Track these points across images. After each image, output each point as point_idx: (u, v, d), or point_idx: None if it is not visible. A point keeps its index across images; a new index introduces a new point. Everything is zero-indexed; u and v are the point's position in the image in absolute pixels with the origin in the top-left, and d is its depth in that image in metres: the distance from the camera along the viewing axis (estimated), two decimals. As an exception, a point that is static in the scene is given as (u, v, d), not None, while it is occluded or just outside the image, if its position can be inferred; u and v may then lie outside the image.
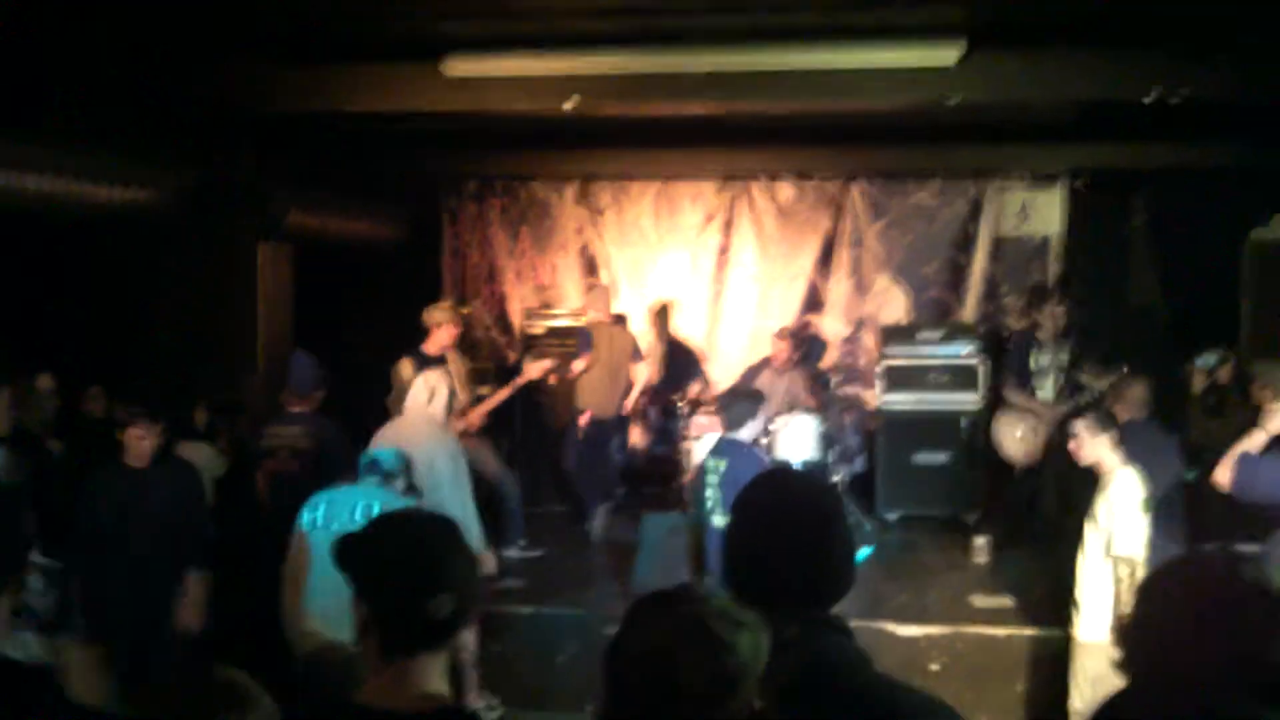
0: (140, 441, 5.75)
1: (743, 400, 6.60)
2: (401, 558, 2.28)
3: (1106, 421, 5.85)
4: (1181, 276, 9.84)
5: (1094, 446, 5.78)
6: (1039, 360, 8.53)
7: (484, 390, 8.54)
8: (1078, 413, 8.02)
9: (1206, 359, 8.14)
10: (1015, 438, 8.61)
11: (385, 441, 6.31)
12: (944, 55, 6.19)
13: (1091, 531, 5.72)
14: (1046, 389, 8.50)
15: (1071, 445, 5.91)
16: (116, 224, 7.61)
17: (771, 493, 2.39)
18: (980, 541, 8.43)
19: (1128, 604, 2.02)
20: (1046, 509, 8.59)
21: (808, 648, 2.10)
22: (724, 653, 1.89)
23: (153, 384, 7.49)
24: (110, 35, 6.26)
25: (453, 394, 6.60)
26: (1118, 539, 5.53)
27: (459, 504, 6.16)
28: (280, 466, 6.91)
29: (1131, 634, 2.17)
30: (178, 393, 7.48)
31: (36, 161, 6.52)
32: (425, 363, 7.98)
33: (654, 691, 1.88)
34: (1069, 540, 7.64)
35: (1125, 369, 7.55)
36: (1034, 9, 6.06)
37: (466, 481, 6.38)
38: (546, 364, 8.53)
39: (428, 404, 6.42)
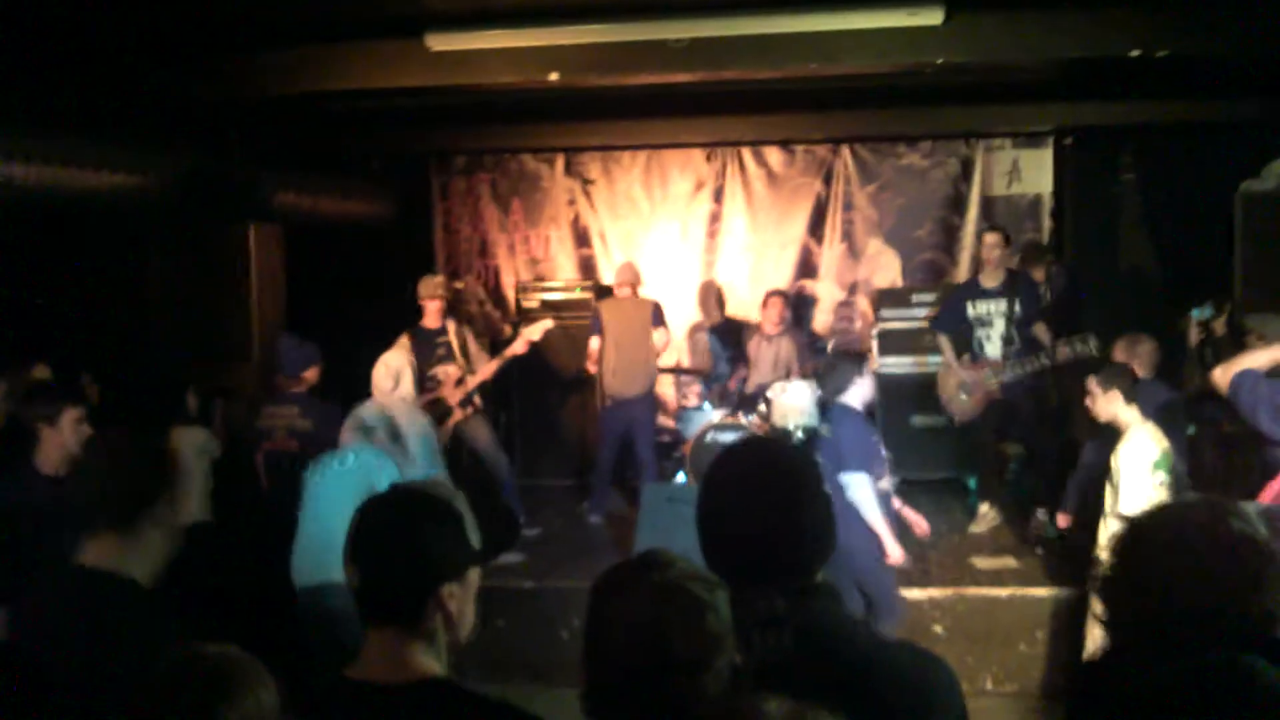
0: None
1: (844, 363, 6.53)
2: (361, 531, 2.30)
3: (1116, 377, 5.83)
4: (1173, 231, 9.83)
5: (1107, 403, 5.78)
6: (976, 308, 8.39)
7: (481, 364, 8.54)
8: (1032, 374, 8.08)
9: (1202, 311, 8.15)
10: (946, 394, 8.62)
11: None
12: (927, 17, 6.17)
13: (1109, 488, 5.73)
14: (993, 340, 8.33)
15: (1087, 402, 5.91)
16: (106, 210, 7.59)
17: (741, 463, 2.34)
18: (985, 509, 8.47)
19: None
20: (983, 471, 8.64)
21: (798, 619, 2.09)
22: (707, 613, 1.93)
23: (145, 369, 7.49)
24: (94, 20, 6.23)
25: (414, 377, 6.73)
26: (1123, 497, 5.53)
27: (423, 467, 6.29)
28: (278, 446, 6.93)
29: (1113, 586, 2.16)
30: (171, 378, 7.49)
31: (23, 149, 6.50)
32: (422, 336, 8.08)
33: (644, 661, 1.90)
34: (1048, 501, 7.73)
35: (1092, 338, 7.57)
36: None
37: (441, 462, 6.47)
38: (547, 324, 8.54)
39: (393, 390, 6.48)
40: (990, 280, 8.37)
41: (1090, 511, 6.32)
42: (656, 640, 1.89)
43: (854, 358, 6.71)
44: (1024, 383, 8.16)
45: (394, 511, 2.31)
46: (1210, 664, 1.84)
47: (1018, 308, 8.23)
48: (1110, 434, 6.10)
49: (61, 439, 4.93)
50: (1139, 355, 6.75)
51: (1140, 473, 5.58)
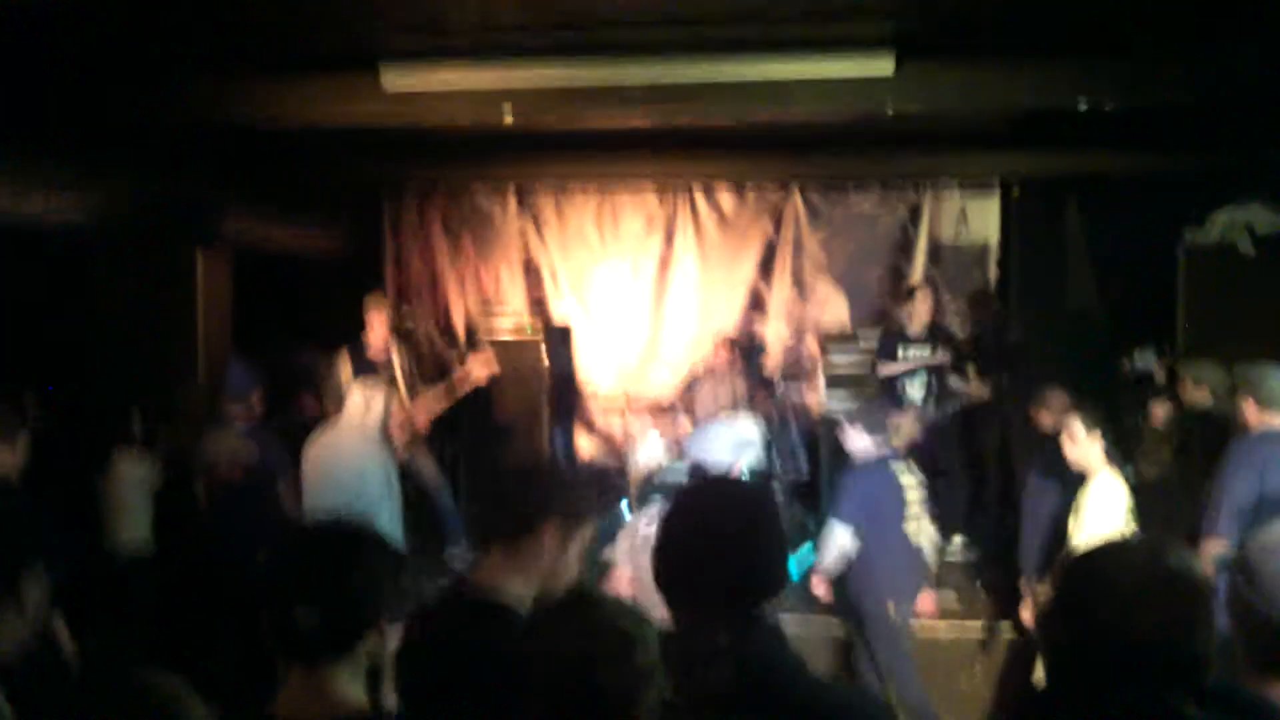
0: None
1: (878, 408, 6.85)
2: (280, 568, 2.30)
3: (1099, 422, 5.89)
4: (1118, 279, 9.97)
5: (1088, 444, 5.84)
6: (905, 354, 8.79)
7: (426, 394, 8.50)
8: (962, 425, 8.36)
9: (1143, 356, 8.30)
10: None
11: (316, 449, 6.36)
12: (878, 66, 6.26)
13: (1074, 526, 5.78)
14: (916, 387, 8.76)
15: (1064, 439, 5.96)
16: (52, 232, 7.53)
17: (699, 500, 2.42)
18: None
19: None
20: None
21: (740, 654, 2.11)
22: (636, 647, 1.95)
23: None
24: (44, 39, 6.20)
25: (387, 405, 6.59)
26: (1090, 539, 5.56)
27: (388, 517, 6.22)
28: (222, 476, 6.87)
29: (1052, 620, 2.19)
30: (115, 402, 7.42)
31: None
32: (362, 359, 8.00)
33: (575, 698, 1.91)
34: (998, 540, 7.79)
35: (1004, 379, 7.78)
36: (960, 22, 6.13)
37: (397, 495, 6.42)
38: (488, 360, 8.51)
39: (363, 415, 6.42)
40: (917, 328, 8.81)
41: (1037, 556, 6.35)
42: (585, 678, 1.91)
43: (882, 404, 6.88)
44: (941, 425, 8.66)
45: (349, 542, 2.32)
46: (1144, 707, 1.87)
47: (939, 355, 8.72)
48: (1055, 476, 6.17)
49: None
50: (1051, 405, 6.79)
51: (1113, 515, 5.65)
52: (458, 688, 2.49)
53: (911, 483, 6.40)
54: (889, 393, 8.72)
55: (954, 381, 8.80)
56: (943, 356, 8.78)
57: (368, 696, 2.29)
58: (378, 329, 8.22)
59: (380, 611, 2.27)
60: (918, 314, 8.87)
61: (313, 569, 2.26)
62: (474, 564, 2.66)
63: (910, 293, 9.21)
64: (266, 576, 2.29)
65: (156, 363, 8.44)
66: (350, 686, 2.24)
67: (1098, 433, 5.82)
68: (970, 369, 8.83)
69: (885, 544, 6.20)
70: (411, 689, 2.62)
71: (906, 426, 8.26)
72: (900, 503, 6.29)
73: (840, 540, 6.16)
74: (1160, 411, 6.99)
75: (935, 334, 8.91)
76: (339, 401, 7.69)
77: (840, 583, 6.40)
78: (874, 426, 6.45)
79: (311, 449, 6.46)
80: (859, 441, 6.45)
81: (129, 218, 7.90)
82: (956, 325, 10.30)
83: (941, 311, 9.23)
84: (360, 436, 6.36)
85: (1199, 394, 6.68)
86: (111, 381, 8.04)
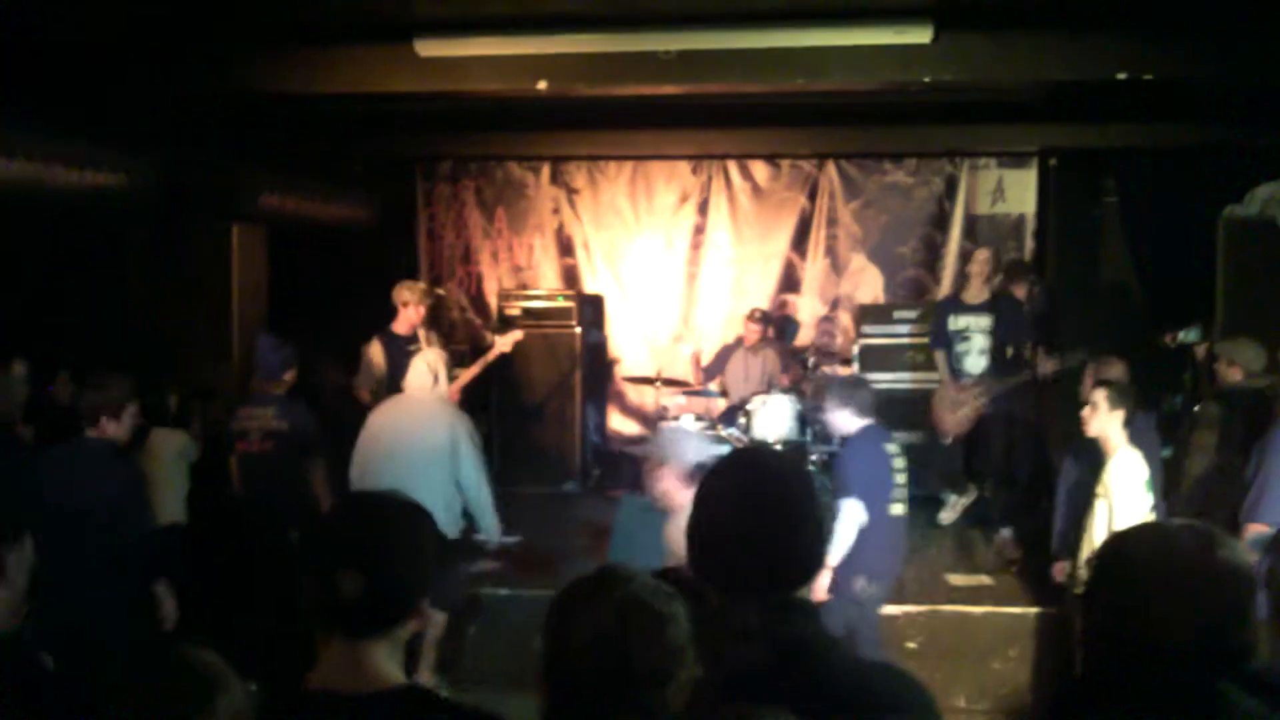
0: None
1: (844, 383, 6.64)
2: (323, 536, 2.28)
3: (1126, 397, 5.78)
4: (1155, 253, 9.87)
5: (1108, 420, 5.74)
6: (957, 322, 8.45)
7: (458, 372, 8.50)
8: (1015, 388, 8.10)
9: (1188, 333, 8.19)
10: (939, 412, 8.59)
11: (384, 422, 6.46)
12: (915, 34, 6.19)
13: (1100, 505, 5.71)
14: (972, 355, 8.40)
15: (1084, 412, 5.87)
16: (88, 208, 7.55)
17: (735, 475, 2.33)
18: (955, 499, 8.51)
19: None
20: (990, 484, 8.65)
21: (772, 633, 2.08)
22: (668, 626, 1.92)
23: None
24: (75, 16, 6.20)
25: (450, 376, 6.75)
26: (1118, 515, 5.50)
27: (475, 482, 6.44)
28: (252, 448, 6.89)
29: (1093, 604, 2.14)
30: (152, 379, 7.45)
31: (4, 145, 6.47)
32: (394, 342, 7.98)
33: (606, 677, 1.89)
34: (1038, 517, 7.70)
35: (1083, 354, 7.49)
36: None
37: (479, 461, 6.55)
38: (517, 335, 8.43)
39: (433, 386, 6.56)
40: (973, 296, 8.41)
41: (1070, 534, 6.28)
42: (617, 654, 1.89)
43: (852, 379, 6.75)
44: (1006, 399, 8.18)
45: (400, 515, 2.29)
46: (1189, 692, 1.84)
47: (999, 324, 8.24)
48: (1086, 456, 6.09)
49: None
50: (1110, 376, 6.70)
51: (1136, 491, 5.58)
52: None
53: (900, 465, 6.27)
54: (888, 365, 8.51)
55: (1021, 350, 8.34)
56: (1003, 328, 8.33)
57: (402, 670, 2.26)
58: (406, 315, 8.15)
59: (424, 590, 2.25)
60: (975, 277, 8.54)
61: (362, 537, 2.22)
62: None
63: (1017, 271, 8.88)
64: (312, 543, 2.27)
65: (192, 337, 8.50)
66: (389, 663, 2.21)
67: (1121, 412, 5.71)
68: (1029, 342, 8.48)
69: (869, 520, 6.01)
70: None
71: (969, 403, 8.20)
72: (888, 479, 6.17)
73: (857, 514, 5.98)
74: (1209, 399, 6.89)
75: (996, 301, 8.47)
76: (373, 386, 7.75)
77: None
78: (847, 400, 6.30)
79: (385, 415, 6.60)
80: (838, 417, 6.31)
81: (164, 194, 7.91)
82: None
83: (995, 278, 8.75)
84: (440, 405, 6.55)
85: (1233, 373, 6.57)
86: (147, 356, 8.08)
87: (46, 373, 7.23)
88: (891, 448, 6.19)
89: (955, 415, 8.35)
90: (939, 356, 8.61)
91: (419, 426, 6.45)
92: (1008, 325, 8.29)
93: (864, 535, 5.92)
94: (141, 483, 5.88)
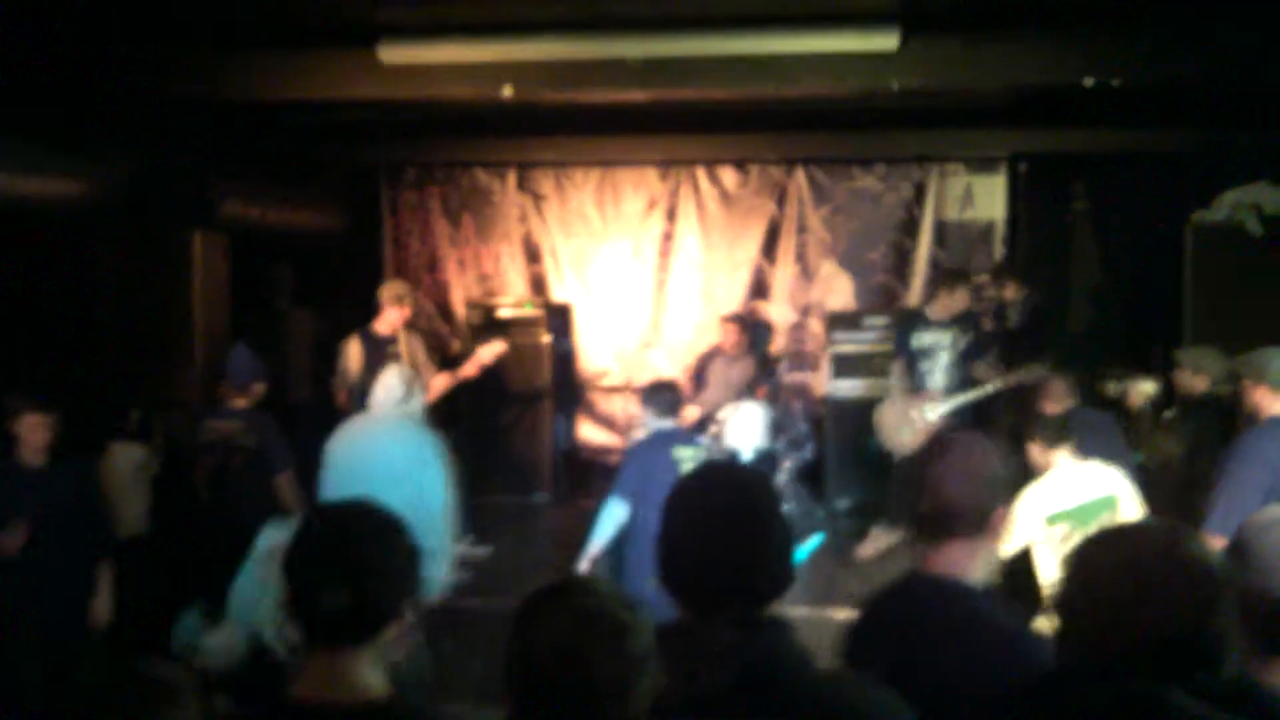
0: (35, 432, 5.60)
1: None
2: (303, 549, 2.26)
3: (1059, 435, 5.67)
4: (1125, 260, 9.91)
5: (1051, 460, 5.68)
6: (921, 339, 8.21)
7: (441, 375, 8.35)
8: (975, 409, 8.01)
9: (1124, 384, 8.14)
10: (895, 426, 8.24)
11: (352, 439, 6.03)
12: (882, 41, 6.18)
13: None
14: (936, 373, 8.17)
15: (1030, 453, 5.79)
16: (49, 215, 7.45)
17: (704, 489, 2.33)
18: (877, 532, 8.38)
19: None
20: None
21: (745, 650, 2.07)
22: (628, 635, 1.93)
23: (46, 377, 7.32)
24: (33, 20, 6.12)
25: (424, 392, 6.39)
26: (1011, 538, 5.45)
27: (437, 513, 5.88)
28: (219, 461, 6.81)
29: (1065, 603, 2.13)
30: (113, 390, 7.37)
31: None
32: (374, 342, 7.88)
33: (567, 688, 1.91)
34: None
35: (1045, 364, 7.40)
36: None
37: (449, 480, 6.16)
38: (500, 348, 8.27)
39: (403, 401, 5.92)
40: (936, 313, 8.28)
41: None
42: (577, 665, 1.90)
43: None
44: (965, 416, 8.08)
45: (378, 525, 2.30)
46: (1129, 694, 1.84)
47: (962, 342, 8.17)
48: None
49: None
50: (1051, 393, 6.63)
51: (1034, 520, 5.48)
52: (925, 667, 2.44)
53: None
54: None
55: (981, 373, 8.05)
56: (965, 342, 8.12)
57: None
58: (391, 314, 8.00)
59: (407, 596, 2.27)
60: (944, 299, 8.23)
61: (343, 550, 2.23)
62: (924, 554, 2.65)
63: (1003, 276, 8.77)
64: (293, 556, 2.26)
65: (153, 345, 8.40)
66: (372, 673, 2.23)
67: (1063, 449, 5.62)
68: (991, 355, 8.33)
69: (646, 522, 5.96)
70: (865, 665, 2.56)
71: (918, 423, 8.08)
72: (668, 483, 6.06)
73: (616, 515, 5.98)
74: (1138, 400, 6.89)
75: (960, 319, 8.21)
76: (349, 386, 7.62)
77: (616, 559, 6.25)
78: (644, 402, 6.31)
79: (345, 438, 5.98)
80: (641, 417, 6.38)
81: (125, 198, 7.81)
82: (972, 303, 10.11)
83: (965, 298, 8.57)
84: (408, 425, 5.91)
85: (1198, 382, 6.53)
86: (107, 364, 7.98)
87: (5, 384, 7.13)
88: (685, 453, 6.13)
89: (898, 436, 8.16)
90: (896, 367, 8.45)
91: (377, 452, 5.84)
92: (970, 343, 8.19)
93: (638, 540, 5.88)
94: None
